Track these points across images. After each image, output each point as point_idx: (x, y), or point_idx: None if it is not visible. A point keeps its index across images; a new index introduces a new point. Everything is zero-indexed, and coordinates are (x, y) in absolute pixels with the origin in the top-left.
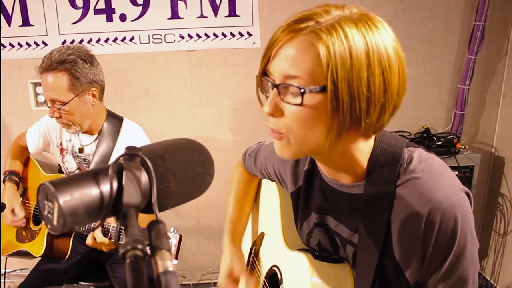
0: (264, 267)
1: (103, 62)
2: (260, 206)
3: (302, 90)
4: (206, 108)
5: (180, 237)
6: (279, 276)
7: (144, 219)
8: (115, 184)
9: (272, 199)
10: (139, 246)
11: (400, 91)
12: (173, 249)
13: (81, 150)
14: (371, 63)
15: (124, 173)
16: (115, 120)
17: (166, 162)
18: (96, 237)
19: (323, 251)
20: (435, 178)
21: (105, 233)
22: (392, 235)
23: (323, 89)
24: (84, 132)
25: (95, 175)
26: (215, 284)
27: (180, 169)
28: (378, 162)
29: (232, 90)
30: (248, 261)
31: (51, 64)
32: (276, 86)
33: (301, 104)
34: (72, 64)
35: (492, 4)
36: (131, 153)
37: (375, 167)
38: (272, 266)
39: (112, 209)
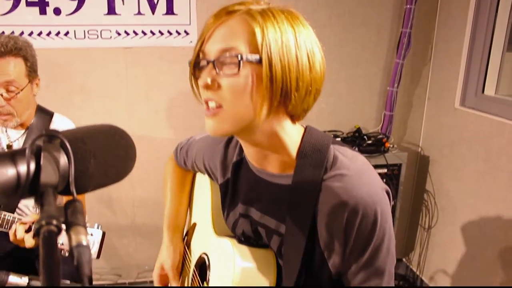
0: (194, 256)
1: None
2: (194, 198)
3: (239, 57)
4: (142, 106)
5: (103, 233)
6: (207, 263)
7: None
8: (32, 165)
9: (204, 190)
10: (54, 222)
11: (321, 78)
12: (96, 246)
13: (9, 147)
14: (298, 45)
15: (42, 154)
16: (45, 115)
17: (86, 145)
18: (26, 242)
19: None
20: (359, 176)
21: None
22: (318, 225)
23: (259, 61)
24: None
25: (12, 156)
26: (151, 282)
27: (100, 152)
28: (306, 155)
29: (168, 88)
30: None
31: (5, 50)
32: (212, 62)
33: (237, 74)
34: (28, 51)
35: (417, 13)
36: (50, 134)
37: (304, 159)
38: (202, 254)
39: (30, 189)
